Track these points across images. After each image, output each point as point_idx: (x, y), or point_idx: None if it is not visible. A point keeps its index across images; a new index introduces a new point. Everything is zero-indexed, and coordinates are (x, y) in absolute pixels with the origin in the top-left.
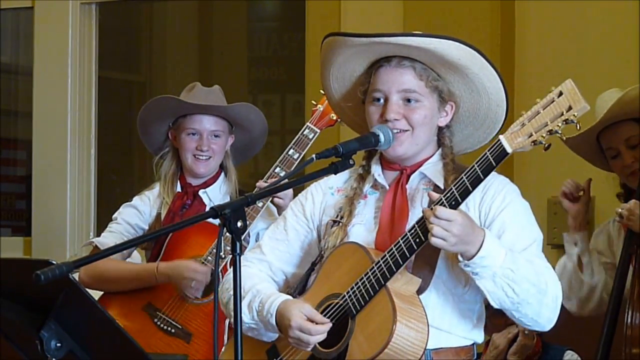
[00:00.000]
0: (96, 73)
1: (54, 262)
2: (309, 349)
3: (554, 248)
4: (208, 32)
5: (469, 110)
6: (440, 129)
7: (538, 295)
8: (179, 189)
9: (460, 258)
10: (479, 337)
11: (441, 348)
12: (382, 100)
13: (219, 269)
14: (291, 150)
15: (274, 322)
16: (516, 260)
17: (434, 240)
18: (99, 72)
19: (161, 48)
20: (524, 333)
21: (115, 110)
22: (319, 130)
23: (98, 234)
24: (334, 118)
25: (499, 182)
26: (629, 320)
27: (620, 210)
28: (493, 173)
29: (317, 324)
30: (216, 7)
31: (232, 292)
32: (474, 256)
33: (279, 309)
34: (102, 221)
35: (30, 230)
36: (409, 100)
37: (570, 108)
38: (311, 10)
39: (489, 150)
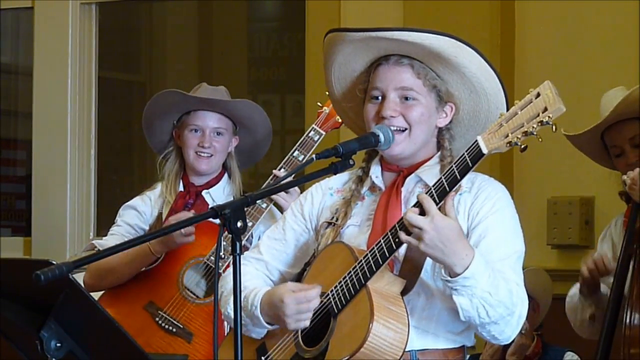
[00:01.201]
0: (96, 73)
1: (54, 262)
2: (309, 319)
3: (553, 248)
4: (208, 32)
5: (470, 112)
6: (439, 130)
7: (507, 317)
8: (181, 188)
9: (442, 272)
10: (468, 340)
11: (427, 349)
12: (379, 98)
13: (220, 269)
14: (296, 152)
15: (258, 313)
16: (496, 283)
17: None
18: (99, 72)
19: (161, 48)
20: (521, 332)
21: (115, 111)
22: (324, 133)
23: (98, 234)
24: (340, 120)
25: (492, 188)
26: (628, 320)
27: (624, 177)
28: (489, 178)
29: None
30: (216, 7)
31: (222, 290)
32: (457, 275)
33: (264, 300)
34: (102, 221)
35: (30, 231)
36: (406, 99)
37: (545, 109)
38: (311, 10)
39: (466, 151)
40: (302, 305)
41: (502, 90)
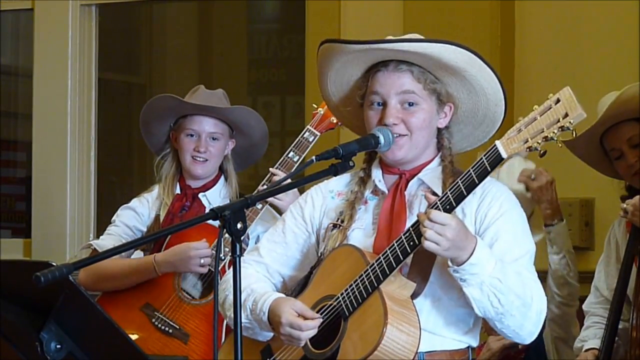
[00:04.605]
0: (96, 75)
1: (54, 264)
2: (301, 345)
3: None
4: (208, 33)
5: (468, 110)
6: (439, 130)
7: (522, 309)
8: (178, 190)
9: (449, 263)
10: (474, 341)
11: (435, 351)
12: (380, 104)
13: (218, 270)
14: (291, 153)
15: (266, 319)
16: (505, 271)
17: (427, 244)
18: (99, 73)
19: (161, 50)
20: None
21: (115, 112)
22: (319, 134)
23: (98, 236)
24: (334, 121)
25: (497, 189)
26: (635, 322)
27: (625, 205)
28: (492, 179)
29: (307, 319)
30: (216, 9)
31: (227, 293)
32: (464, 262)
33: (271, 307)
34: (102, 223)
35: (30, 232)
36: (409, 104)
37: (566, 115)
38: (311, 11)
39: (484, 155)
40: (294, 331)
41: (501, 89)
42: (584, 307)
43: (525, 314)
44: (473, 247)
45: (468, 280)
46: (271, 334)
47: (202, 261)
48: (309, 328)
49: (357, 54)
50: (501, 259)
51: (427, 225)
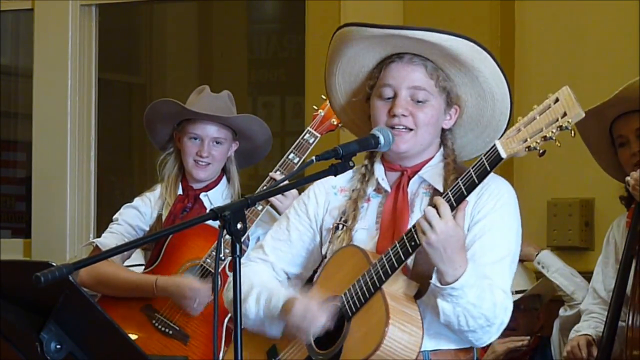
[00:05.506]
0: (96, 75)
1: (54, 264)
2: (309, 338)
3: (554, 250)
4: (208, 33)
5: (472, 116)
6: (443, 131)
7: (486, 327)
8: (180, 191)
9: (433, 276)
10: None
11: (439, 350)
12: (390, 96)
13: (218, 271)
14: (291, 154)
15: (277, 313)
16: (482, 296)
17: (416, 230)
18: (99, 74)
19: (161, 50)
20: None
21: (115, 112)
22: (319, 135)
23: (98, 236)
24: (335, 123)
25: (496, 186)
26: (630, 322)
27: (628, 178)
28: (495, 176)
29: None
30: (216, 9)
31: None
32: (447, 283)
33: (286, 299)
34: (102, 223)
35: (30, 232)
36: (418, 101)
37: (565, 114)
38: (311, 11)
39: (484, 155)
40: (308, 315)
41: (509, 97)
42: (581, 306)
43: (487, 331)
44: (461, 271)
45: (445, 297)
46: (280, 331)
47: (195, 305)
48: (320, 318)
49: (374, 41)
50: (482, 268)
51: (426, 211)
